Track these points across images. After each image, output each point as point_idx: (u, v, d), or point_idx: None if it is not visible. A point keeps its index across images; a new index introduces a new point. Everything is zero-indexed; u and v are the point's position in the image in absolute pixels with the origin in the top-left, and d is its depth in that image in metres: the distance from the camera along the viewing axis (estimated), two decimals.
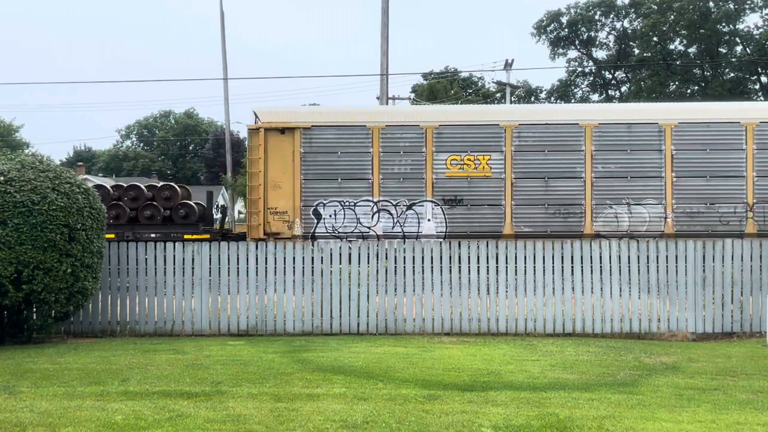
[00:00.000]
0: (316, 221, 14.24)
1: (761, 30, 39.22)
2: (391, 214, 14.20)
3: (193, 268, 10.21)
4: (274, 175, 14.31)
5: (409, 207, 14.20)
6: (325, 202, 14.23)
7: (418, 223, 14.13)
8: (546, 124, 14.33)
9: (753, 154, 14.05)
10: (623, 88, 47.64)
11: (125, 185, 17.04)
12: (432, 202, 14.19)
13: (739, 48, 40.95)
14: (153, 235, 15.40)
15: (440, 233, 14.06)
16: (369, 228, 14.16)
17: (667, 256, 10.17)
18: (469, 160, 14.22)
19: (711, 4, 39.52)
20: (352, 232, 14.10)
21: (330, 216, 14.23)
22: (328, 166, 14.31)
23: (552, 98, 48.51)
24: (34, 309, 9.27)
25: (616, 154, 14.20)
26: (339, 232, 14.14)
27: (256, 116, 14.72)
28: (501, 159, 14.22)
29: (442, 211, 14.17)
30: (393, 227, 14.14)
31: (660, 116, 14.38)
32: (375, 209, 14.21)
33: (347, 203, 14.23)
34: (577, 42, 47.35)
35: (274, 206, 14.29)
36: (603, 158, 14.19)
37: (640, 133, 14.23)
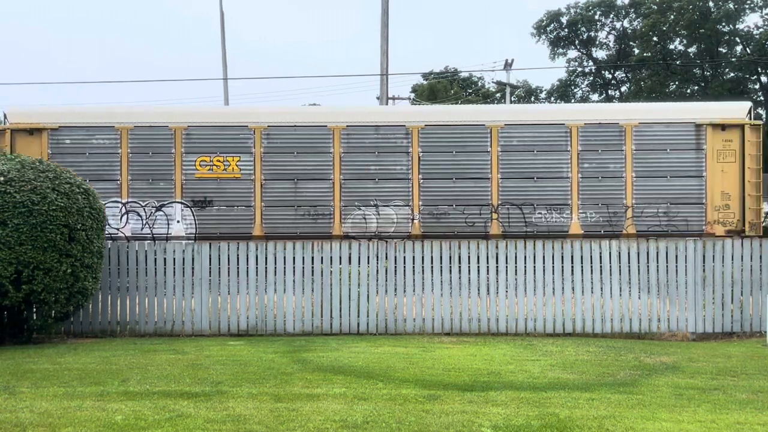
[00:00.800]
0: None
1: (761, 30, 39.19)
2: (140, 216, 14.14)
3: (193, 268, 10.22)
4: None
5: (159, 208, 14.15)
6: None
7: (168, 224, 14.11)
8: (295, 126, 14.33)
9: (498, 156, 14.13)
10: (623, 88, 47.64)
11: None
12: (181, 203, 14.16)
13: (739, 48, 40.94)
14: None
15: (190, 234, 14.03)
16: (118, 230, 14.06)
17: (667, 256, 10.18)
18: (219, 161, 14.22)
19: (711, 4, 39.50)
20: None
21: None
22: (76, 167, 13.90)
23: (552, 98, 48.52)
24: (34, 309, 9.27)
25: (364, 156, 14.26)
26: None
27: (5, 117, 14.55)
28: (250, 160, 14.23)
29: (192, 212, 14.14)
30: (142, 229, 14.09)
31: (407, 119, 14.43)
32: (123, 210, 14.13)
33: None
34: (577, 42, 47.33)
35: None
36: (351, 160, 14.26)
37: (387, 135, 14.30)
